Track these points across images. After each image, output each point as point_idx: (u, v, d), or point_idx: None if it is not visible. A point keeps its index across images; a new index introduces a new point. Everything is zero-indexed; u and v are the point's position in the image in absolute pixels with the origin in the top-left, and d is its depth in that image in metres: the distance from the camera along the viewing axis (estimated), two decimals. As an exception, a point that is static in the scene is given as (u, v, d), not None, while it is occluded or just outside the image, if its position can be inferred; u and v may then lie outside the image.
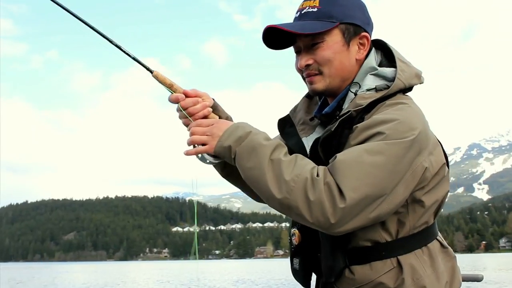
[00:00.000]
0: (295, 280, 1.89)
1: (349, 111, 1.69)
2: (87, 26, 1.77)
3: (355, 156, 1.55)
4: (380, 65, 1.82)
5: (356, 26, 1.80)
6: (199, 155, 1.75)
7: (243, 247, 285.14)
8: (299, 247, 1.83)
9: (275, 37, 1.84)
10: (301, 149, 1.86)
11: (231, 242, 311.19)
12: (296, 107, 2.03)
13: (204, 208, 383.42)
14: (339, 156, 1.56)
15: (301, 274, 1.85)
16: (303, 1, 1.83)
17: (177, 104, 1.80)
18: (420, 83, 1.82)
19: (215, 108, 1.89)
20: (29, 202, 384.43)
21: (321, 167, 1.58)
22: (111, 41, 1.77)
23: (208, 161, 1.76)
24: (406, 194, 1.62)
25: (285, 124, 2.00)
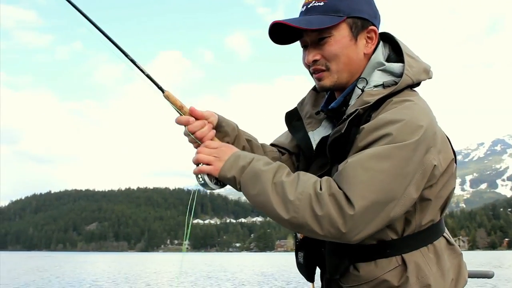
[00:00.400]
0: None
1: (356, 110, 1.67)
2: (102, 35, 1.76)
3: (362, 162, 1.53)
4: (388, 59, 1.80)
5: (364, 20, 1.78)
6: (201, 181, 1.75)
7: (263, 240, 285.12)
8: (303, 241, 1.84)
9: (281, 32, 1.82)
10: (307, 144, 1.89)
11: (252, 235, 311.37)
12: (303, 100, 2.03)
13: (225, 201, 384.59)
14: (346, 164, 1.56)
15: (305, 268, 1.86)
16: None
17: (184, 127, 1.81)
18: (429, 78, 1.79)
19: (221, 122, 1.91)
20: (52, 192, 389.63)
21: (324, 179, 1.58)
22: (126, 55, 1.75)
23: (210, 187, 1.76)
24: (417, 195, 1.61)
25: (292, 118, 2.00)
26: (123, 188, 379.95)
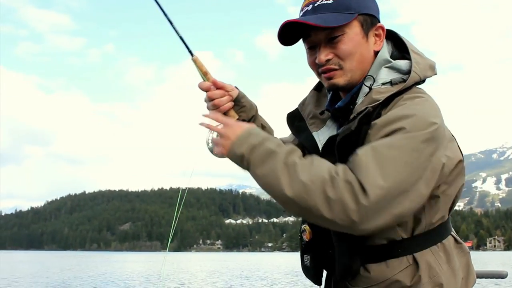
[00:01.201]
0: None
1: (366, 108, 1.65)
2: None
3: (376, 151, 1.51)
4: (392, 57, 1.78)
5: (372, 17, 1.75)
6: (210, 145, 1.78)
7: (295, 240, 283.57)
8: (310, 244, 1.80)
9: (288, 33, 1.78)
10: (312, 144, 1.84)
11: (284, 235, 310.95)
12: (304, 100, 2.00)
13: (257, 201, 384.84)
14: (359, 152, 1.53)
15: (312, 271, 1.83)
16: None
17: (205, 93, 1.86)
18: (434, 75, 1.77)
19: (240, 98, 1.93)
20: (86, 192, 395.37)
21: (340, 165, 1.54)
22: (165, 15, 1.80)
23: (216, 155, 1.77)
24: (427, 192, 1.57)
25: (294, 119, 1.97)
26: (156, 188, 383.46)
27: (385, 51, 1.78)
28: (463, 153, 1.76)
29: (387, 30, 1.82)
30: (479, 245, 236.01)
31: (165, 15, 1.79)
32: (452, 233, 1.77)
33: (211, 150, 1.80)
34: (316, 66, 1.79)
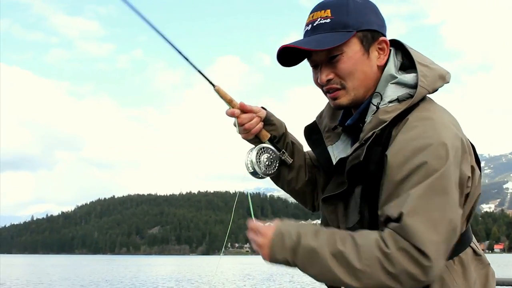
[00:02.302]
0: None
1: (374, 133, 1.63)
2: (161, 37, 1.84)
3: (416, 208, 1.50)
4: (401, 67, 1.75)
5: (374, 32, 1.73)
6: (250, 169, 1.91)
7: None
8: None
9: (289, 54, 1.79)
10: (326, 159, 1.87)
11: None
12: (322, 113, 1.99)
13: (285, 204, 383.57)
14: (405, 214, 1.50)
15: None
16: (313, 12, 1.76)
17: (234, 119, 1.90)
18: (446, 83, 1.72)
19: (269, 118, 1.95)
20: (116, 197, 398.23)
21: (386, 235, 1.52)
22: (180, 52, 1.83)
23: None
24: (462, 211, 1.60)
25: (312, 132, 1.97)
26: (184, 192, 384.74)
27: (391, 65, 1.74)
28: (479, 159, 1.72)
29: (394, 40, 1.80)
30: (511, 247, 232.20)
31: (180, 53, 1.83)
32: (472, 244, 1.74)
33: (253, 174, 1.90)
34: (320, 85, 1.79)
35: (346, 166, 1.68)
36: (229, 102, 1.89)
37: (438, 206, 1.50)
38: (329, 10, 1.71)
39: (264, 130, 1.93)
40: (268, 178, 2.00)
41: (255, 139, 1.95)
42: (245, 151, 1.95)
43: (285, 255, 1.61)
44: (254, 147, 1.93)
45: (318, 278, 1.60)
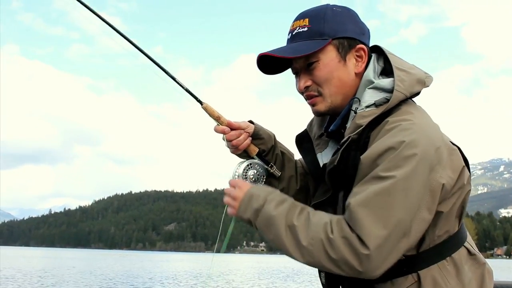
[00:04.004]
0: None
1: (349, 137, 1.66)
2: (144, 55, 1.91)
3: (367, 202, 1.52)
4: (382, 72, 1.77)
5: (350, 39, 1.76)
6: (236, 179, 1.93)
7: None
8: None
9: (271, 62, 1.83)
10: (315, 167, 1.89)
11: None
12: (312, 121, 2.02)
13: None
14: (352, 203, 1.54)
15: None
16: (294, 22, 1.81)
17: (222, 135, 1.96)
18: (426, 87, 1.74)
19: (257, 133, 2.00)
20: (133, 192, 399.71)
21: (335, 221, 1.57)
22: (166, 72, 1.88)
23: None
24: (430, 216, 1.58)
25: (303, 140, 2.00)
26: (201, 190, 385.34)
27: (370, 70, 1.76)
28: (467, 159, 1.71)
29: (375, 46, 1.83)
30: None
31: (166, 72, 1.89)
32: (466, 244, 1.73)
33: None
34: (301, 92, 1.83)
35: (326, 172, 1.73)
36: (217, 119, 1.94)
37: (392, 205, 1.51)
38: (307, 19, 1.76)
39: (252, 145, 1.98)
40: None
41: (244, 154, 2.00)
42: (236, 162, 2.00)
43: (249, 216, 1.70)
44: (242, 162, 1.98)
45: (271, 244, 1.67)
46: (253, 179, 1.95)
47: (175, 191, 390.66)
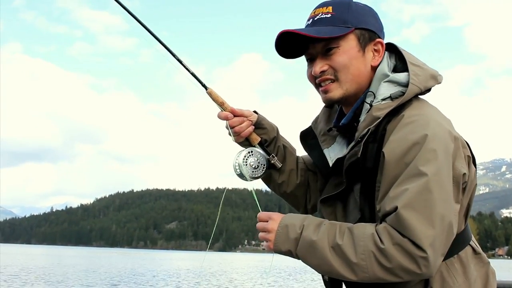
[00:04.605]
0: None
1: (369, 130, 1.67)
2: (153, 37, 1.95)
3: (412, 202, 1.52)
4: (394, 70, 1.79)
5: (371, 32, 1.79)
6: (237, 171, 1.97)
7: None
8: None
9: (288, 45, 1.83)
10: (323, 162, 1.91)
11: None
12: (317, 118, 2.03)
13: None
14: (401, 207, 1.53)
15: (329, 286, 1.86)
16: (315, 9, 1.83)
17: (225, 122, 1.97)
18: (438, 83, 1.77)
19: (260, 122, 2.01)
20: (134, 191, 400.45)
21: (381, 230, 1.56)
22: (173, 55, 1.92)
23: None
24: (458, 207, 1.64)
25: (307, 137, 2.01)
26: (202, 188, 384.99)
27: (385, 65, 1.79)
28: (474, 156, 1.75)
29: (389, 43, 1.85)
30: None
31: (174, 55, 1.93)
32: (471, 243, 1.75)
33: (240, 177, 1.97)
34: (313, 79, 1.83)
35: (344, 165, 1.71)
36: (221, 105, 1.96)
37: (434, 202, 1.53)
38: (330, 7, 1.78)
39: (254, 134, 1.99)
40: (261, 180, 2.07)
41: (246, 142, 2.02)
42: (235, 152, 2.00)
43: (289, 246, 1.67)
44: (243, 150, 1.99)
45: (317, 270, 1.66)
46: (253, 166, 1.96)
47: (176, 190, 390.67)
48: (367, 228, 1.59)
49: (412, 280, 1.58)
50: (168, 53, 1.92)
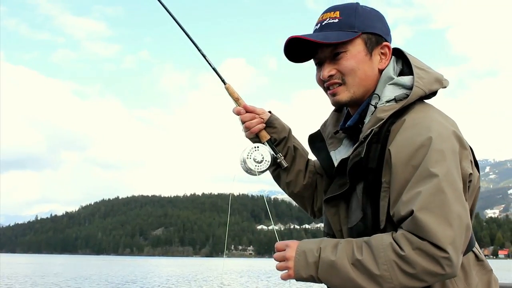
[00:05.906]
0: None
1: (372, 131, 1.69)
2: (181, 30, 2.05)
3: (426, 204, 1.54)
4: (400, 74, 1.82)
5: (378, 36, 1.82)
6: (243, 164, 2.03)
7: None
8: None
9: (297, 49, 1.87)
10: (328, 164, 1.94)
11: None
12: (326, 122, 2.07)
13: (289, 207, 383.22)
14: (417, 211, 1.54)
15: None
16: (323, 14, 1.86)
17: (238, 116, 2.07)
18: (443, 87, 1.79)
19: (272, 121, 2.08)
20: (120, 197, 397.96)
21: (398, 237, 1.57)
22: (199, 49, 2.02)
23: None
24: (468, 205, 1.64)
25: (316, 140, 2.05)
26: (188, 194, 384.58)
27: (390, 68, 1.82)
28: (477, 160, 1.76)
29: (395, 48, 1.88)
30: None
31: (199, 50, 2.04)
32: (474, 249, 1.75)
33: (246, 170, 2.03)
34: (322, 82, 1.88)
35: (348, 165, 1.74)
36: (236, 100, 2.07)
37: (448, 202, 1.54)
38: (338, 12, 1.82)
39: (264, 131, 2.06)
40: (272, 179, 2.16)
41: (257, 139, 2.08)
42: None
43: (309, 271, 1.67)
44: (249, 146, 2.06)
45: None
46: (257, 160, 2.01)
47: (162, 196, 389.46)
48: (384, 238, 1.59)
49: (438, 281, 1.59)
50: (195, 47, 2.04)
